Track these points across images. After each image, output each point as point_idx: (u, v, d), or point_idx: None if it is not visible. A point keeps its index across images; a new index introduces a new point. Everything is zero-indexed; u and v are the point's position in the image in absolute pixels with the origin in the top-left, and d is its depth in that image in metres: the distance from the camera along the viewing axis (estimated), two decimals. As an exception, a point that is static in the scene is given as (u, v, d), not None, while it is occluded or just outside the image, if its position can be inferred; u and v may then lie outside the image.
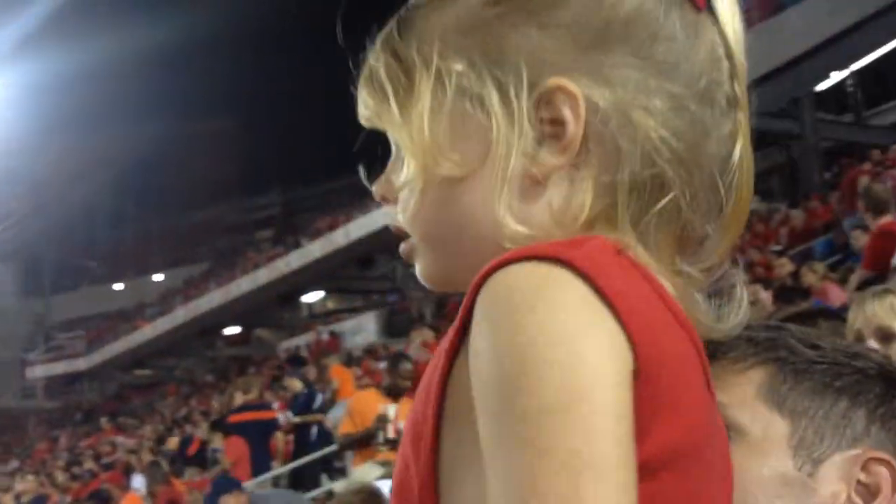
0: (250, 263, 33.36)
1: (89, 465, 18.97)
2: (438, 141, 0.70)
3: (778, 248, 11.88)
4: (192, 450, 13.13)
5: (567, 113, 0.67)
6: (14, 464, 27.88)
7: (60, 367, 42.24)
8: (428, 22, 0.73)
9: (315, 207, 40.44)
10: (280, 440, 11.48)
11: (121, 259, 53.41)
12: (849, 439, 0.90)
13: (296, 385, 12.34)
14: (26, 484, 11.99)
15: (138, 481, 14.05)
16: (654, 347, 0.60)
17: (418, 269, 0.75)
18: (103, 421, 30.62)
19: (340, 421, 12.63)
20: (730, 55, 0.72)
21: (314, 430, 11.17)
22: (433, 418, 0.63)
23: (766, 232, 14.81)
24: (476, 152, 0.69)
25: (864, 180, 10.96)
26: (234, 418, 10.37)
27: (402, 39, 0.73)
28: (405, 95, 0.72)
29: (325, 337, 26.41)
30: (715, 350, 0.89)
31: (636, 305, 0.60)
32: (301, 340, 28.67)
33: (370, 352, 19.73)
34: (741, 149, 0.72)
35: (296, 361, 24.40)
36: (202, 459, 12.10)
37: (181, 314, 35.37)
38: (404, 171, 0.72)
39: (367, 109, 0.75)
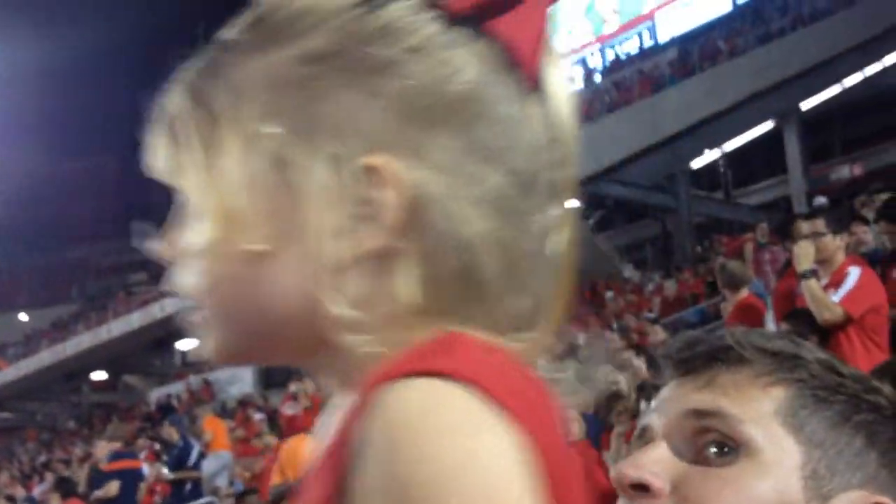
0: (122, 307, 32.49)
1: (-61, 511, 17.95)
2: (244, 210, 0.63)
3: (652, 315, 12.32)
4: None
5: (386, 194, 0.61)
6: None
7: (-85, 408, 39.99)
8: (239, 71, 0.66)
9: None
10: (142, 492, 11.20)
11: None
12: (859, 480, 0.87)
13: (173, 434, 12.06)
14: None
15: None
16: (552, 451, 0.59)
17: (206, 344, 0.67)
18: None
19: (227, 473, 12.42)
20: (558, 140, 0.69)
21: (188, 485, 10.95)
22: None
23: (640, 300, 15.32)
24: (286, 227, 0.63)
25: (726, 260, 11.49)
26: (109, 466, 10.12)
27: (208, 86, 0.66)
28: (209, 152, 0.65)
29: (198, 386, 25.80)
30: (732, 359, 0.91)
31: (525, 405, 0.58)
32: (172, 389, 27.92)
33: (245, 403, 19.38)
34: (564, 237, 0.69)
35: (166, 410, 23.84)
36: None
37: (46, 356, 34.01)
38: (200, 236, 0.65)
39: (160, 160, 0.67)
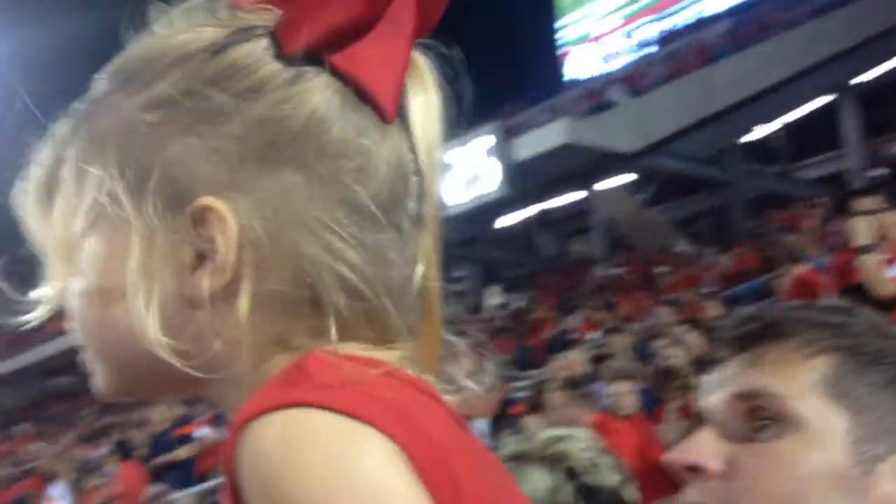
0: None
1: (6, 471, 18.49)
2: (75, 253, 0.66)
3: (711, 290, 12.19)
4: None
5: (217, 235, 0.62)
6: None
7: (-26, 371, 40.94)
8: (87, 122, 0.67)
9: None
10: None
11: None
12: None
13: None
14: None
15: (57, 490, 13.80)
16: (433, 452, 0.59)
17: (95, 383, 0.70)
18: (21, 427, 29.83)
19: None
20: (419, 171, 0.68)
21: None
22: None
23: (695, 275, 15.19)
24: (118, 269, 0.64)
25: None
26: (179, 431, 10.36)
27: (67, 129, 0.68)
28: (49, 201, 0.68)
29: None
30: (780, 333, 0.92)
31: (394, 413, 0.59)
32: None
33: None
34: (425, 271, 0.69)
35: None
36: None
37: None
38: (53, 284, 0.69)
39: (24, 202, 0.70)
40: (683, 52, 23.71)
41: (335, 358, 0.61)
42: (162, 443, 10.71)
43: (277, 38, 0.65)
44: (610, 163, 19.76)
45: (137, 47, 0.68)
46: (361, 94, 0.66)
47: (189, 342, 0.63)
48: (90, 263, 0.66)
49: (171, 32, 0.67)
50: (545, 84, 29.58)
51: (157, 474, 10.53)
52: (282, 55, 0.65)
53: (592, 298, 16.18)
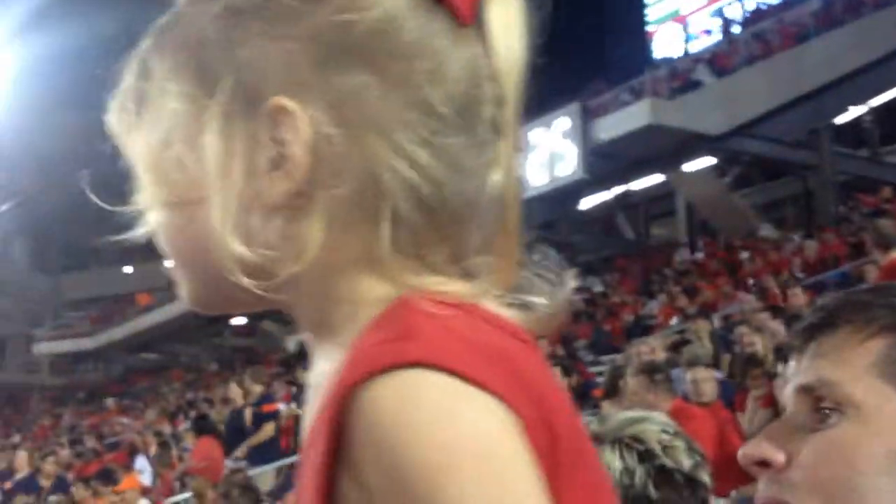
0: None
1: (92, 443, 19.09)
2: (160, 164, 0.67)
3: (800, 275, 11.96)
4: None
5: (289, 136, 0.62)
6: (16, 438, 28.03)
7: (67, 346, 42.06)
8: (166, 35, 0.69)
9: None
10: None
11: (132, 242, 53.50)
12: None
13: (304, 377, 12.47)
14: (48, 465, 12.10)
15: (142, 462, 14.20)
16: (545, 413, 0.60)
17: (180, 293, 0.71)
18: (108, 401, 30.80)
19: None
20: (496, 77, 0.66)
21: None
22: None
23: (779, 261, 14.90)
24: (207, 175, 0.64)
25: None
26: (268, 407, 10.56)
27: (150, 43, 0.70)
28: (139, 113, 0.69)
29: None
30: (839, 320, 0.92)
31: (504, 370, 0.59)
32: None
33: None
34: (503, 178, 0.67)
35: (302, 356, 24.57)
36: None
37: (190, 301, 35.40)
38: (144, 193, 0.70)
39: (113, 123, 0.72)
40: (772, 32, 23.14)
41: (434, 304, 0.61)
42: (240, 419, 10.90)
43: None
44: (694, 145, 19.45)
45: None
46: None
47: (265, 253, 0.63)
48: (174, 173, 0.66)
49: None
50: (630, 64, 29.15)
51: (232, 448, 10.73)
52: None
53: (673, 283, 16.00)
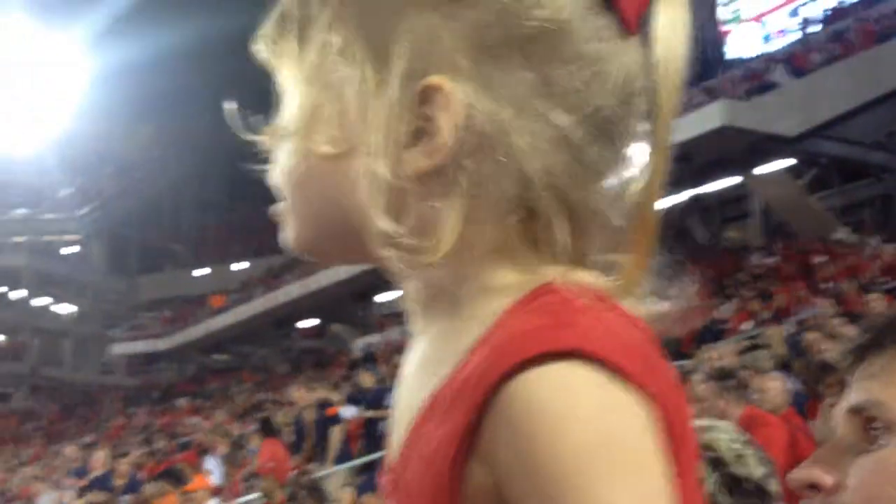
0: (330, 259, 33.71)
1: (163, 443, 19.43)
2: (320, 109, 0.67)
3: (873, 281, 11.64)
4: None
5: (441, 116, 0.62)
6: (90, 437, 28.69)
7: (141, 346, 43.09)
8: None
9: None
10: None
11: (205, 245, 54.56)
12: None
13: (367, 380, 12.55)
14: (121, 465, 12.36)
15: (211, 463, 14.38)
16: (674, 412, 0.60)
17: (286, 234, 0.72)
18: (180, 401, 31.38)
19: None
20: (653, 86, 0.66)
21: (382, 424, 11.40)
22: None
23: (857, 265, 14.52)
24: (353, 133, 0.65)
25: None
26: (332, 411, 10.74)
27: None
28: (302, 49, 0.68)
29: (398, 336, 26.63)
30: (885, 338, 0.92)
31: (646, 366, 0.59)
32: (374, 338, 28.94)
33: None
34: (646, 189, 0.67)
35: (369, 358, 24.75)
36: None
37: (260, 303, 35.91)
38: (283, 124, 0.70)
39: (267, 45, 0.71)
40: (851, 31, 22.58)
41: (579, 291, 0.61)
42: (307, 422, 11.01)
43: None
44: (769, 146, 19.12)
45: None
46: (608, 2, 0.65)
47: (384, 219, 0.63)
48: (326, 124, 0.66)
49: None
50: (705, 64, 28.75)
51: (306, 452, 10.79)
52: None
53: (746, 288, 15.69)
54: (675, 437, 0.60)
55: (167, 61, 39.80)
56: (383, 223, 0.63)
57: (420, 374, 0.68)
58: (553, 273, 0.63)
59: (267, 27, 0.71)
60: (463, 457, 0.58)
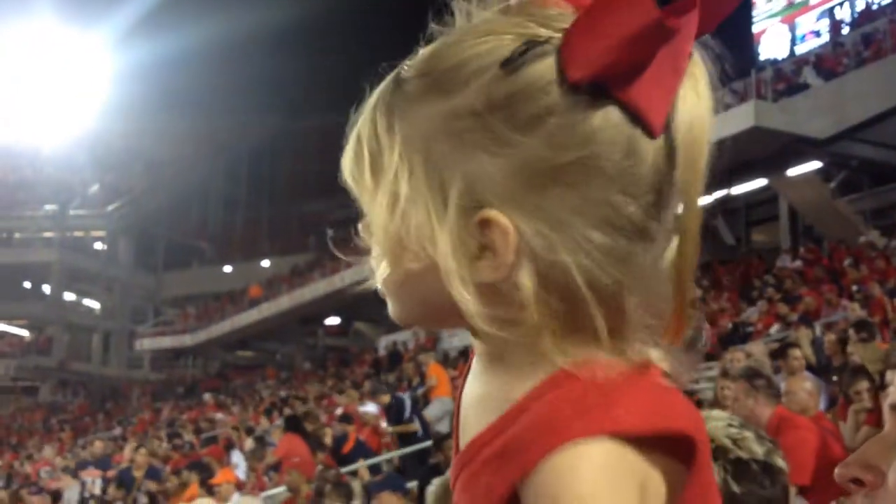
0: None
1: (189, 437, 19.54)
2: (398, 237, 0.76)
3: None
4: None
5: (498, 241, 0.71)
6: (117, 431, 28.92)
7: (167, 342, 43.45)
8: (407, 109, 0.75)
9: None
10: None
11: (231, 243, 54.87)
12: None
13: (384, 398, 12.61)
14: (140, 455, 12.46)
15: (237, 457, 14.46)
16: (701, 439, 0.71)
17: (392, 312, 0.83)
18: (206, 396, 31.53)
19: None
20: (679, 181, 0.74)
21: (419, 432, 11.43)
22: None
23: (886, 269, 14.39)
24: (427, 253, 0.74)
25: None
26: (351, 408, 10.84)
27: (383, 115, 0.76)
28: (375, 174, 0.76)
29: (423, 336, 26.66)
30: None
31: (673, 411, 0.70)
32: (399, 336, 28.96)
33: (467, 353, 19.77)
34: (679, 275, 0.75)
35: (394, 357, 24.80)
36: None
37: (286, 301, 36.04)
38: (375, 246, 0.80)
39: (348, 165, 0.80)
40: (883, 33, 22.37)
41: (604, 370, 0.71)
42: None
43: (563, 61, 0.70)
44: (799, 148, 18.97)
45: (443, 48, 0.75)
46: (635, 118, 0.71)
47: (468, 306, 0.73)
48: (399, 245, 0.76)
49: (470, 34, 0.74)
50: (737, 64, 28.58)
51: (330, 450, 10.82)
52: (566, 81, 0.70)
53: (774, 290, 15.58)
54: (705, 459, 0.71)
55: (197, 58, 40.02)
56: (476, 311, 0.73)
57: (478, 407, 0.80)
58: (586, 354, 0.72)
59: (345, 161, 0.80)
60: None
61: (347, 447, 11.33)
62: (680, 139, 0.73)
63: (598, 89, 0.71)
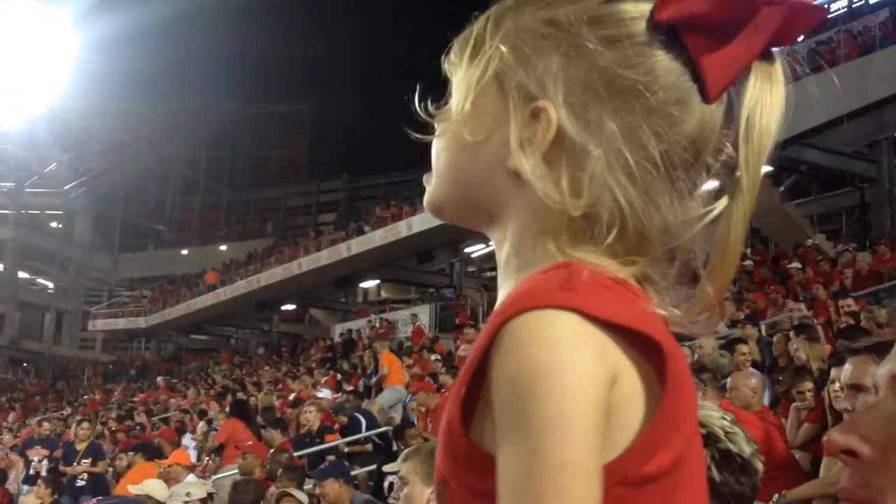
0: (312, 244, 33.43)
1: (141, 419, 19.40)
2: (469, 110, 0.86)
3: (846, 289, 11.69)
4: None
5: (540, 131, 0.81)
6: (67, 411, 28.56)
7: (121, 324, 42.73)
8: (515, 10, 0.86)
9: (378, 197, 40.83)
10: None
11: (188, 226, 54.24)
12: None
13: (343, 419, 11.88)
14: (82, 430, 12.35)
15: (189, 440, 14.42)
16: (674, 356, 0.75)
17: (427, 191, 0.92)
18: (159, 379, 31.18)
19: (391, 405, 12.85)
20: (739, 150, 0.81)
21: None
22: (458, 414, 0.78)
23: (831, 272, 14.68)
24: (492, 128, 0.85)
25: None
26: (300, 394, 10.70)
27: (497, 13, 0.87)
28: (473, 55, 0.87)
29: (378, 324, 26.63)
30: None
31: (647, 320, 0.75)
32: (354, 325, 28.90)
33: (421, 344, 19.83)
34: (726, 232, 0.82)
35: (348, 344, 24.75)
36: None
37: (242, 285, 35.71)
38: (447, 117, 0.89)
39: (454, 47, 0.90)
40: (836, 42, 22.77)
41: (594, 271, 0.77)
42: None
43: (657, 3, 0.81)
44: (750, 152, 19.09)
45: None
46: (695, 76, 0.81)
47: (521, 163, 0.83)
48: (468, 117, 0.86)
49: None
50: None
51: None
52: (652, 19, 0.81)
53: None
54: (679, 377, 0.75)
55: (158, 39, 39.50)
56: (532, 167, 0.82)
57: None
58: (582, 256, 0.80)
59: (454, 44, 0.90)
60: (471, 391, 0.77)
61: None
62: (743, 117, 0.81)
63: (675, 37, 0.81)
